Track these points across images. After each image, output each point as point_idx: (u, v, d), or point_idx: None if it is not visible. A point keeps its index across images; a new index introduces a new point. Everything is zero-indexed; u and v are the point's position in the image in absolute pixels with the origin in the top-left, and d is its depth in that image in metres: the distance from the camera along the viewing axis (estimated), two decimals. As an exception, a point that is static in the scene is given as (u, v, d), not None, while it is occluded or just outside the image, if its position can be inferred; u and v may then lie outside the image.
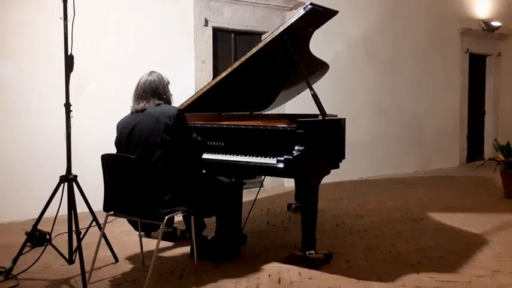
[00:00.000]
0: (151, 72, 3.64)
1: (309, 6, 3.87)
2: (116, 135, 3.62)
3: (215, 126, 4.18)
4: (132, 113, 3.59)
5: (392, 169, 8.80)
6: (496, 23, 10.28)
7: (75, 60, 3.57)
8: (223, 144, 4.06)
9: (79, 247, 3.45)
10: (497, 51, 10.70)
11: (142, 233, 3.91)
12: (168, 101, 3.60)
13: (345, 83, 8.02)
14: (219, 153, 4.02)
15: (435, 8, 9.37)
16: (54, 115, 4.94)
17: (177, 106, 3.75)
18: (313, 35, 4.38)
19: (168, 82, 3.66)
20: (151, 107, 3.50)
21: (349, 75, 8.14)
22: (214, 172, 3.95)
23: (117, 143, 3.61)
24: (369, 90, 8.46)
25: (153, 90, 3.54)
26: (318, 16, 4.12)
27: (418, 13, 9.09)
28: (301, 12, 3.90)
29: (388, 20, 8.64)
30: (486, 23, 10.21)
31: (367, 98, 8.46)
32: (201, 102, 4.37)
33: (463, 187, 7.58)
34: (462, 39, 9.97)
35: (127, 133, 3.51)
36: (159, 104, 3.51)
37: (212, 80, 4.45)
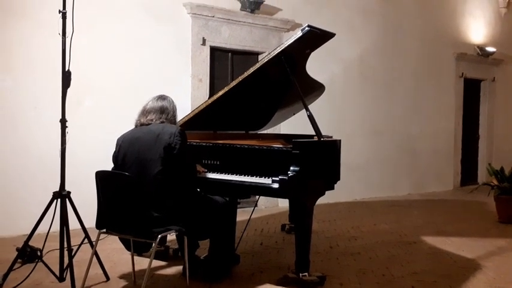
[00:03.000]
0: (163, 95, 3.75)
1: (306, 28, 3.89)
2: (114, 149, 3.63)
3: (210, 144, 4.18)
4: (136, 126, 3.64)
5: (386, 191, 8.79)
6: (490, 49, 10.40)
7: (72, 76, 3.58)
8: (218, 163, 4.05)
9: (70, 264, 3.42)
10: (491, 76, 10.80)
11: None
12: (173, 123, 3.67)
13: (340, 105, 8.06)
14: (214, 172, 4.01)
15: (431, 33, 9.47)
16: (49, 130, 4.94)
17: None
18: (309, 57, 4.40)
19: (176, 109, 3.75)
20: (155, 123, 3.56)
21: (345, 97, 8.18)
22: (208, 191, 3.93)
23: (115, 157, 3.61)
24: (364, 112, 8.50)
25: (162, 109, 3.63)
26: (315, 38, 4.15)
27: (414, 37, 9.19)
28: (298, 33, 3.92)
29: (384, 43, 8.73)
30: (481, 48, 10.32)
31: (362, 120, 8.49)
32: (196, 121, 4.38)
33: (457, 211, 7.57)
34: (457, 64, 10.06)
35: (126, 148, 3.53)
36: (163, 122, 3.57)
37: (209, 98, 4.45)
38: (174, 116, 3.71)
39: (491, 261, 4.68)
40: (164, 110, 3.64)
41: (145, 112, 3.65)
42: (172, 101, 3.74)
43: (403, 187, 9.11)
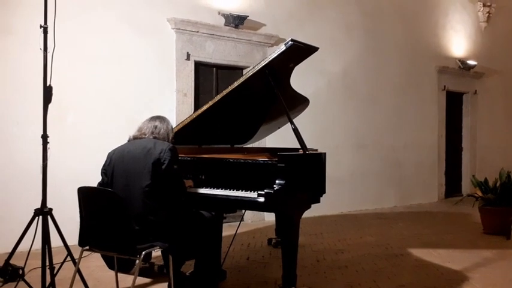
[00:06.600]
0: (161, 115, 3.77)
1: (290, 42, 3.90)
2: (104, 162, 3.59)
3: (196, 159, 4.15)
4: (128, 140, 3.62)
5: (372, 204, 8.81)
6: (472, 62, 10.56)
7: (54, 91, 3.55)
8: (203, 177, 4.02)
9: (52, 283, 3.34)
10: (473, 89, 10.94)
11: (118, 269, 3.81)
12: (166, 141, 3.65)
13: (325, 118, 8.09)
14: (199, 186, 3.97)
15: (413, 46, 9.59)
16: (31, 146, 4.87)
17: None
18: (294, 70, 4.41)
19: (172, 130, 3.76)
20: (148, 138, 3.54)
21: (329, 110, 8.22)
22: (194, 205, 3.89)
23: (105, 170, 3.58)
24: (348, 125, 8.55)
25: (155, 126, 3.63)
26: (299, 52, 4.15)
27: (396, 51, 9.29)
28: (282, 47, 3.93)
29: (367, 57, 8.81)
30: (462, 61, 10.47)
31: (347, 133, 8.53)
32: (182, 135, 4.34)
33: (442, 223, 7.60)
34: (439, 77, 10.18)
35: (116, 160, 3.50)
36: (155, 137, 3.56)
37: (193, 113, 4.43)
38: (168, 135, 3.67)
39: (478, 272, 4.69)
40: (157, 126, 3.63)
41: (139, 128, 3.66)
42: (169, 122, 3.74)
43: (388, 199, 9.14)
